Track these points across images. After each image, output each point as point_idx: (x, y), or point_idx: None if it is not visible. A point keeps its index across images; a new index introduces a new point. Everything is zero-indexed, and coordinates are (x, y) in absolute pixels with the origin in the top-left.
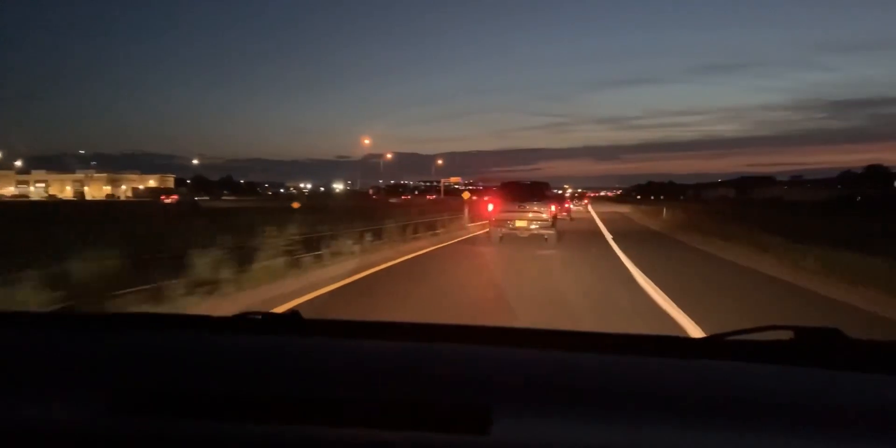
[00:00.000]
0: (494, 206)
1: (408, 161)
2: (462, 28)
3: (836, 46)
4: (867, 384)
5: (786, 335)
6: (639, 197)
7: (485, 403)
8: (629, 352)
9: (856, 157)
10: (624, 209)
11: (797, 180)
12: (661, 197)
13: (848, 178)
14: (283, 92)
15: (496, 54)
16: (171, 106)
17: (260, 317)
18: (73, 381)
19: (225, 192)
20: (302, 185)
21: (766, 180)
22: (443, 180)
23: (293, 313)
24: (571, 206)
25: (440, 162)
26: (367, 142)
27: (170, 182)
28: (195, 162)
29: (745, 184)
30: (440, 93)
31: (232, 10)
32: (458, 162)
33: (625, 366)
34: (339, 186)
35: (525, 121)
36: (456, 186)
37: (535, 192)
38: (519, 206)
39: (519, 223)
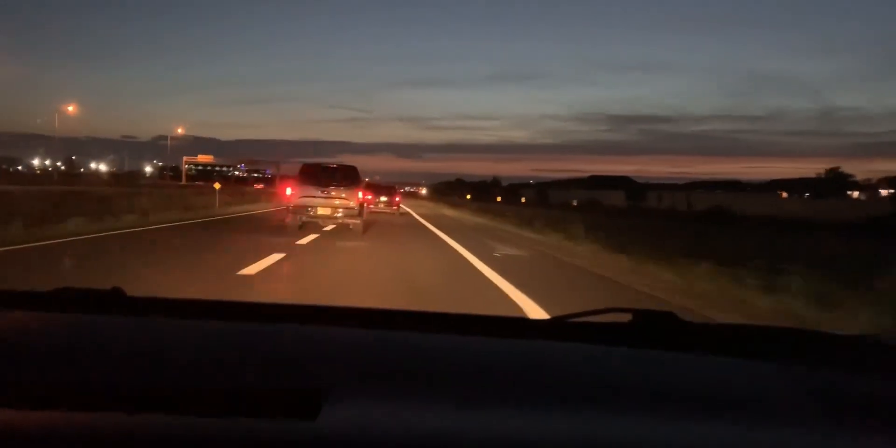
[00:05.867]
0: (293, 190)
1: (207, 145)
2: (261, 9)
3: (612, 66)
4: (695, 364)
5: (624, 317)
6: (468, 196)
7: (315, 387)
8: (470, 332)
9: (631, 167)
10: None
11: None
12: (523, 199)
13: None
14: (67, 62)
15: (296, 42)
16: None
17: (78, 293)
18: None
19: None
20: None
21: (625, 185)
22: (185, 159)
23: (115, 290)
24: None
25: (178, 134)
26: (179, 130)
27: None
28: None
29: (629, 187)
30: (238, 76)
31: None
32: (256, 150)
33: (465, 346)
34: (101, 167)
35: (326, 113)
36: (218, 170)
37: (342, 176)
38: (322, 192)
39: (321, 211)
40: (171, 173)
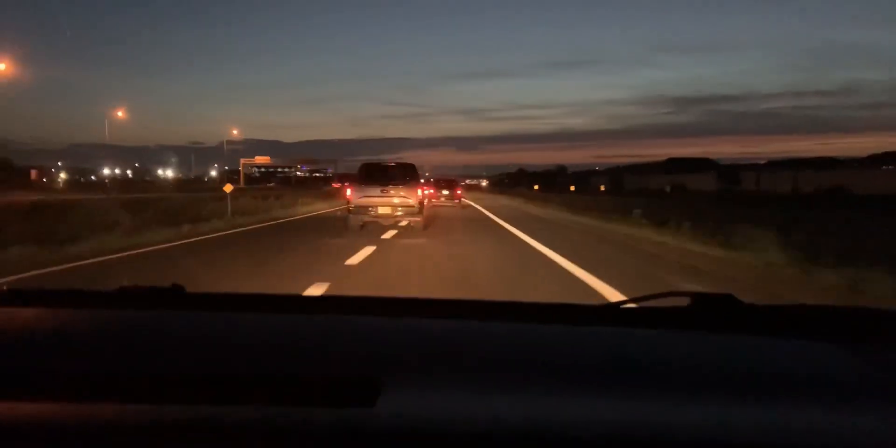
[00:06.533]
0: (353, 191)
1: (270, 148)
2: (316, 13)
3: (673, 47)
4: (757, 347)
5: (683, 301)
6: (536, 187)
7: (372, 375)
8: (527, 320)
9: (697, 149)
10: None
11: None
12: (602, 187)
13: None
14: (135, 73)
15: (352, 41)
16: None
17: (140, 290)
18: None
19: None
20: (110, 171)
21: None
22: (242, 162)
23: (175, 286)
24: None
25: (234, 137)
26: (234, 132)
27: None
28: None
29: (715, 169)
30: (296, 79)
31: None
32: (319, 150)
33: (521, 334)
34: (168, 174)
35: (384, 110)
36: (280, 171)
37: (401, 174)
38: (381, 191)
39: (382, 210)
40: (235, 177)
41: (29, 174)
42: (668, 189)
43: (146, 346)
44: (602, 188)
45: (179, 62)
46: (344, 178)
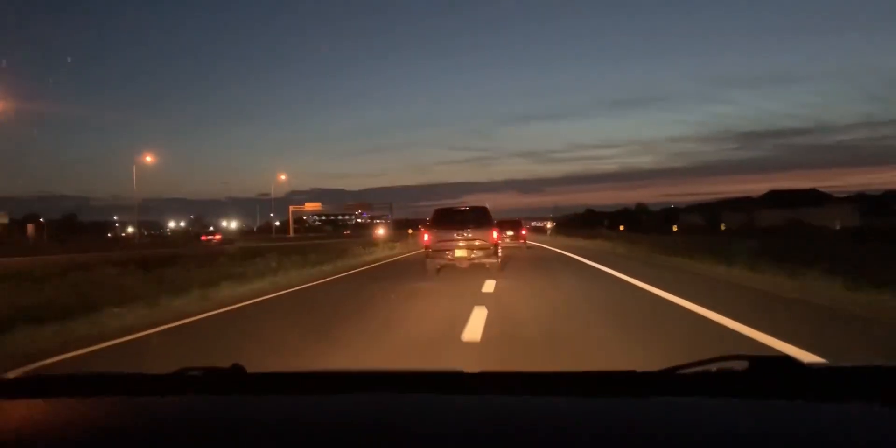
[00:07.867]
0: (430, 236)
1: (334, 196)
2: (378, 63)
3: (736, 81)
4: (818, 412)
5: (740, 365)
6: (622, 228)
7: None
8: (585, 392)
9: (766, 185)
10: None
11: None
12: (722, 226)
13: None
14: (203, 128)
15: (413, 89)
16: (84, 144)
17: (200, 373)
18: None
19: None
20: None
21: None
22: (292, 209)
23: (235, 367)
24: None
25: (281, 182)
26: (283, 177)
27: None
28: None
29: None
30: (360, 128)
31: (152, 38)
32: (382, 197)
33: (582, 408)
34: (232, 225)
35: (447, 155)
36: (341, 218)
37: (474, 217)
38: (457, 235)
39: (459, 253)
40: (296, 225)
41: (104, 230)
42: (837, 226)
43: (204, 437)
44: (722, 227)
45: (254, 116)
46: (383, 221)
